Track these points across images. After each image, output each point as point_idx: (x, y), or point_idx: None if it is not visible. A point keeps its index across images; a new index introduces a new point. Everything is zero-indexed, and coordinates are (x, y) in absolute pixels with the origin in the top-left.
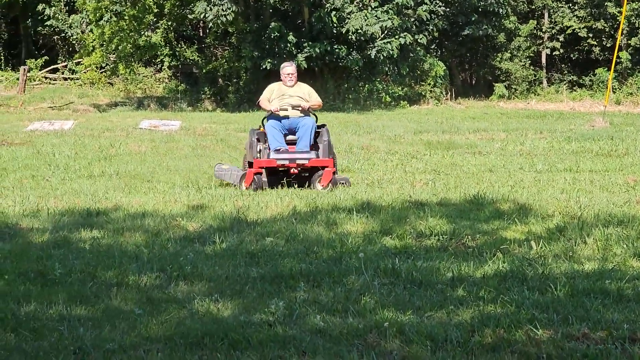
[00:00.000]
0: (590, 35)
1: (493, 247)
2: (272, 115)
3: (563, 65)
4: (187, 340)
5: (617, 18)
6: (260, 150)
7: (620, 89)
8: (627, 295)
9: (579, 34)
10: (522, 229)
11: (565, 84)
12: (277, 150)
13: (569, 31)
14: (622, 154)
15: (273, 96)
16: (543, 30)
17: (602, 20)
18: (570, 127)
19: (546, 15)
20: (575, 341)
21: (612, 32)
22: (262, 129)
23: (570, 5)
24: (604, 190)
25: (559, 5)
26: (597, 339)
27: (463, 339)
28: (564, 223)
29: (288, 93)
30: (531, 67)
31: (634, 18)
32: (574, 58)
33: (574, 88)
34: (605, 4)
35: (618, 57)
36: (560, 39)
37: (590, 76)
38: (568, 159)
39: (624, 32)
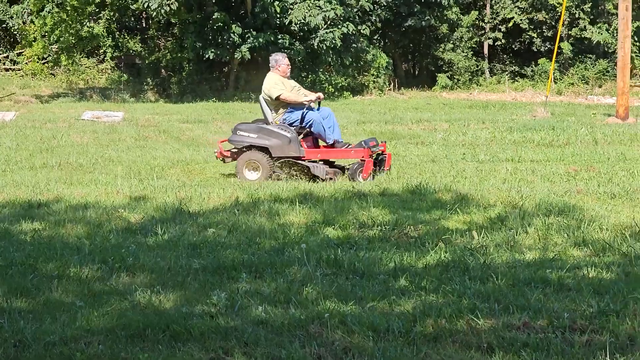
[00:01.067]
0: (532, 26)
1: (435, 237)
2: (300, 107)
3: (505, 56)
4: (128, 332)
5: (558, 9)
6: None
7: (561, 80)
8: (568, 284)
9: (520, 24)
10: (463, 218)
11: (507, 75)
12: (337, 142)
13: (510, 22)
14: (563, 144)
15: (287, 87)
16: (485, 21)
17: (543, 12)
18: (512, 117)
19: (488, 6)
20: (516, 330)
21: (553, 23)
22: (276, 121)
23: None
24: (545, 180)
25: None
26: (537, 328)
27: (405, 328)
28: (506, 213)
29: (293, 84)
30: (473, 58)
31: (574, 9)
32: (515, 49)
33: (516, 78)
34: None
35: (559, 47)
36: (502, 30)
37: (532, 67)
38: (510, 149)
39: (565, 22)
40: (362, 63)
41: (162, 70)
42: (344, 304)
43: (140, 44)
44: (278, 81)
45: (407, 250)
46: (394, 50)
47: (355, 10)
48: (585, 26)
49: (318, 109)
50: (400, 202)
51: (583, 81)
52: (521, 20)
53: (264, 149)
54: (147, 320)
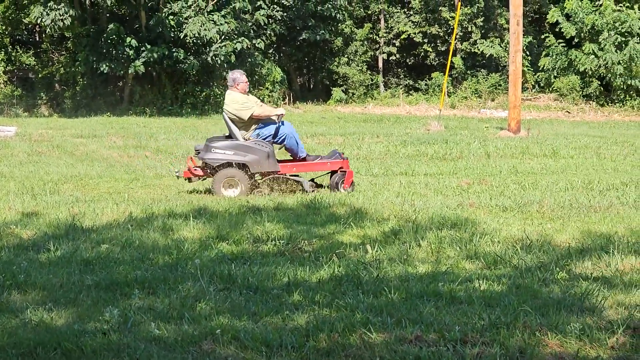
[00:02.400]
0: (425, 40)
1: (329, 251)
2: (270, 122)
3: (399, 70)
4: (19, 351)
5: (451, 23)
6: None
7: (455, 93)
8: (459, 297)
9: (414, 38)
10: (357, 232)
11: (401, 88)
12: (308, 156)
13: (404, 36)
14: (456, 157)
15: (253, 104)
16: (379, 35)
17: (436, 25)
18: (407, 131)
19: (382, 20)
20: (408, 344)
21: (447, 37)
22: (247, 137)
23: (406, 10)
24: (438, 194)
25: (395, 10)
26: (429, 341)
27: (298, 343)
28: (399, 226)
29: (254, 99)
30: (368, 72)
31: (466, 23)
32: (410, 63)
33: (410, 92)
34: (440, 9)
35: (452, 61)
36: (396, 44)
37: (426, 80)
38: (404, 163)
39: (458, 37)
40: (256, 77)
41: (56, 85)
42: (238, 320)
43: (33, 58)
44: (244, 100)
45: (301, 265)
46: (289, 64)
47: (249, 24)
48: (477, 40)
49: (282, 124)
50: (295, 217)
51: (476, 95)
52: (415, 34)
53: (242, 165)
54: (38, 338)
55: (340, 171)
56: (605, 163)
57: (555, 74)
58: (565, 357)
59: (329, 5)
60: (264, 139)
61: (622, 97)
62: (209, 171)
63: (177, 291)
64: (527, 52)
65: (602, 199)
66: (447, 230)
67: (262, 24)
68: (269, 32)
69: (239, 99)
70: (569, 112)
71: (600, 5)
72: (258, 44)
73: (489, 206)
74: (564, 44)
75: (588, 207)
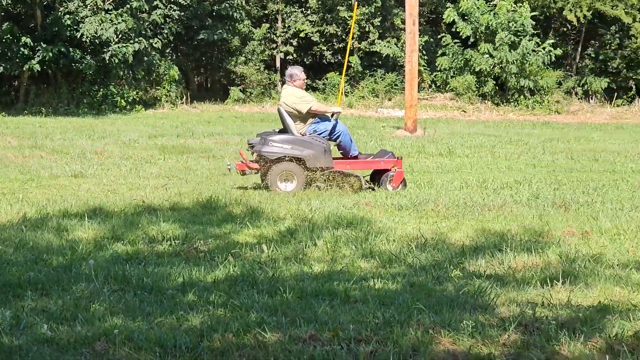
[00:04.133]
0: (323, 39)
1: (225, 251)
2: (325, 118)
3: None
4: None
5: (348, 22)
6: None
7: (352, 93)
8: (354, 296)
9: (311, 38)
10: (254, 232)
11: None
12: (360, 154)
13: (302, 35)
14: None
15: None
16: (277, 34)
17: (334, 25)
18: None
19: (280, 19)
20: (302, 343)
21: (344, 37)
22: (302, 132)
23: (303, 10)
24: (335, 193)
25: (292, 9)
26: (324, 340)
27: (192, 344)
28: (295, 226)
29: (310, 95)
30: (266, 71)
31: (364, 23)
32: (307, 62)
33: (308, 91)
34: (337, 8)
35: (349, 61)
36: (294, 43)
37: (323, 80)
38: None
39: (355, 36)
40: (154, 76)
41: None
42: (132, 321)
43: None
44: (303, 94)
45: (196, 265)
46: (187, 63)
47: (147, 24)
48: (374, 40)
49: (337, 122)
50: (191, 217)
51: (373, 94)
52: (312, 33)
53: (299, 160)
54: None
55: (397, 170)
56: (499, 162)
57: (452, 74)
58: (457, 355)
59: (226, 5)
60: (319, 134)
61: (516, 96)
62: (264, 164)
63: (71, 292)
64: (424, 52)
65: (496, 198)
66: (343, 230)
67: (159, 23)
68: (166, 31)
69: (297, 93)
70: (465, 112)
71: (495, 5)
72: (155, 43)
73: (385, 205)
74: (460, 44)
75: (482, 206)
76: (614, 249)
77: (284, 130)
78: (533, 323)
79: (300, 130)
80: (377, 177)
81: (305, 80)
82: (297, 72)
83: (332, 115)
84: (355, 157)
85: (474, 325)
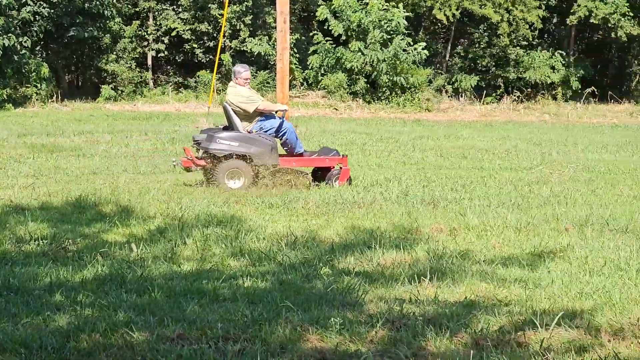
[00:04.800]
0: (194, 37)
1: (94, 250)
2: (271, 116)
3: (169, 67)
4: None
5: (220, 21)
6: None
7: (224, 91)
8: (223, 294)
9: (183, 35)
10: (123, 231)
11: (171, 86)
12: (305, 152)
13: (173, 33)
14: None
15: (256, 97)
16: (148, 32)
17: (205, 23)
18: (175, 129)
19: (151, 17)
20: (170, 342)
21: (215, 35)
22: (248, 130)
23: (175, 7)
24: (206, 191)
25: (164, 7)
26: (192, 339)
27: (58, 345)
28: (165, 224)
29: (255, 93)
30: (137, 69)
31: (235, 21)
32: (179, 60)
33: (180, 90)
34: (209, 6)
35: (220, 59)
36: (165, 41)
37: (195, 78)
38: (171, 160)
39: (226, 34)
40: (24, 74)
41: None
42: None
43: None
44: (249, 94)
45: (64, 265)
46: (57, 61)
47: (16, 21)
48: (246, 38)
49: (283, 119)
50: (60, 216)
51: None
52: (184, 31)
53: (246, 157)
54: None
55: (340, 168)
56: (370, 159)
57: (323, 72)
58: (325, 351)
59: (97, 2)
60: (265, 132)
61: (387, 94)
62: (211, 162)
63: None
64: (295, 50)
65: (366, 195)
66: (213, 228)
67: (29, 20)
68: (35, 29)
69: (243, 93)
70: (336, 110)
71: (367, 3)
72: (25, 42)
73: (255, 203)
74: (332, 42)
75: (352, 203)
76: (480, 245)
77: (229, 127)
78: (400, 319)
79: (247, 128)
80: (318, 174)
81: (248, 80)
82: (241, 69)
83: (276, 112)
84: (301, 155)
85: (342, 322)
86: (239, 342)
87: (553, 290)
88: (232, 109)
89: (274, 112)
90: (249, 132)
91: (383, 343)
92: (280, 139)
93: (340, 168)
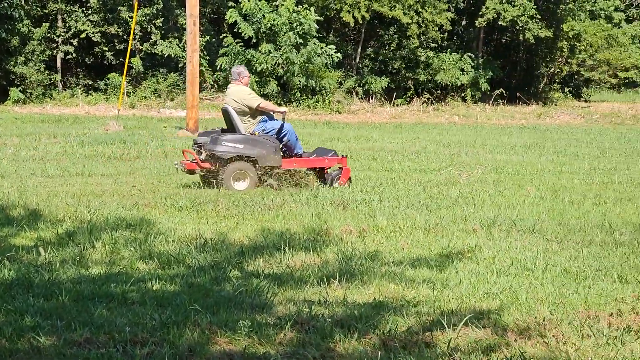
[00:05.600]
0: (104, 40)
1: (0, 254)
2: (271, 117)
3: (79, 69)
4: None
5: (129, 23)
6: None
7: (134, 93)
8: (132, 298)
9: (92, 38)
10: (31, 235)
11: (80, 88)
12: (304, 153)
13: (83, 35)
14: (133, 157)
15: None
16: (57, 34)
17: (115, 25)
18: (85, 132)
19: (60, 19)
20: (77, 347)
21: (125, 37)
22: (250, 131)
23: (84, 9)
24: (115, 194)
25: (73, 9)
26: (99, 343)
27: None
28: (74, 228)
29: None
30: (46, 71)
31: (146, 23)
32: (89, 62)
33: (90, 92)
34: (119, 8)
35: (130, 62)
36: (75, 43)
37: (105, 80)
38: (80, 163)
39: (136, 37)
40: None
41: None
42: None
43: None
44: (251, 91)
45: None
46: None
47: None
48: (157, 41)
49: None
50: None
51: (155, 94)
52: (93, 33)
53: (251, 159)
54: None
55: (344, 168)
56: None
57: None
58: (233, 354)
59: (5, 4)
60: (266, 133)
61: (298, 96)
62: (216, 164)
63: None
64: (206, 52)
65: (276, 197)
66: (122, 231)
67: None
68: None
69: (245, 90)
70: None
71: (278, 6)
72: None
73: (165, 205)
74: (242, 44)
75: (262, 205)
76: (389, 247)
77: (229, 129)
78: (309, 321)
79: (249, 130)
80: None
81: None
82: (242, 70)
83: (273, 114)
84: (300, 156)
85: (250, 325)
86: (147, 345)
87: (461, 290)
88: (235, 109)
89: (272, 113)
90: (252, 134)
91: (291, 345)
92: (281, 141)
93: (340, 168)
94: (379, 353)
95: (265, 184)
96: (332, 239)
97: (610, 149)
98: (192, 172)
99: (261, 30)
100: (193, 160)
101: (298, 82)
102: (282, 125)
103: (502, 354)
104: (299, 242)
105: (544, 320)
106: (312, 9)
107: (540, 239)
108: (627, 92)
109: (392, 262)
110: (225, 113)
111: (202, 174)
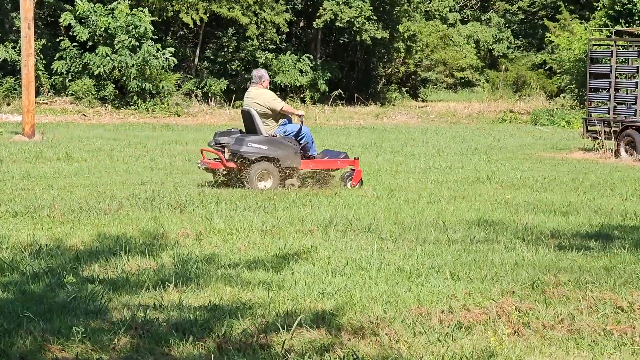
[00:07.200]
0: None
1: None
2: (289, 120)
3: None
4: None
5: None
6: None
7: None
8: None
9: None
10: None
11: None
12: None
13: None
14: None
15: None
16: None
17: None
18: None
19: None
20: None
21: None
22: (271, 133)
23: None
24: None
25: None
26: None
27: None
28: None
29: None
30: None
31: None
32: None
33: None
34: None
35: None
36: None
37: None
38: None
39: None
40: None
41: None
42: None
43: None
44: (274, 94)
45: None
46: None
47: None
48: None
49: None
50: None
51: None
52: None
53: (275, 160)
54: None
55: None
56: (117, 165)
57: (70, 77)
58: None
59: None
60: (286, 135)
61: (136, 99)
62: (242, 164)
63: None
64: (42, 56)
65: (112, 201)
66: None
67: None
68: None
69: (269, 93)
70: (85, 115)
71: (114, 9)
72: None
73: None
74: (78, 47)
75: (99, 210)
76: (226, 249)
77: (248, 131)
78: (144, 326)
79: (270, 132)
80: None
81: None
82: (264, 73)
83: (299, 118)
84: (313, 157)
85: (84, 331)
86: None
87: (296, 291)
88: (258, 111)
89: (290, 116)
90: (274, 136)
91: (126, 350)
92: (299, 143)
93: (352, 170)
94: (212, 356)
95: (288, 183)
96: (168, 242)
97: (446, 147)
98: (213, 171)
99: (97, 33)
100: (217, 159)
101: (135, 86)
102: (300, 128)
103: (336, 354)
104: (135, 247)
105: (377, 319)
106: (146, 10)
107: (375, 239)
108: (463, 91)
109: (229, 265)
110: (247, 115)
111: (225, 172)
